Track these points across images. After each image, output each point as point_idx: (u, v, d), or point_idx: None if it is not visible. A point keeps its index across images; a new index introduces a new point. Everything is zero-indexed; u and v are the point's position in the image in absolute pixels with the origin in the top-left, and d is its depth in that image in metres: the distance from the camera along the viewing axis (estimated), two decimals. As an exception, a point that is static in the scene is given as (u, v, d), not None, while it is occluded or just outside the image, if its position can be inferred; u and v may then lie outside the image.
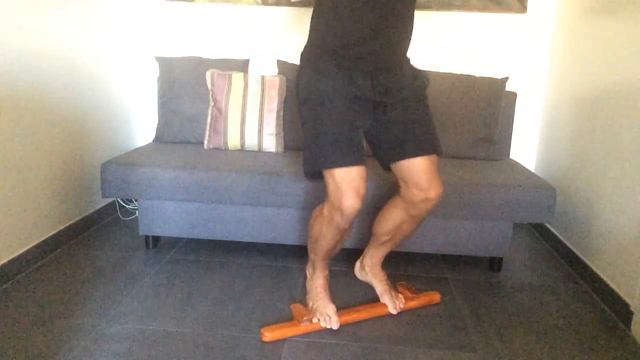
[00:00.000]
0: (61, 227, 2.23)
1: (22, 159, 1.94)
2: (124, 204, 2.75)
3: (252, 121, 2.36)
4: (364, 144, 1.54)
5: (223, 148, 2.40)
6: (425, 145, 1.56)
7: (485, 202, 2.00)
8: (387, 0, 1.40)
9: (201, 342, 1.56)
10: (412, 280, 2.06)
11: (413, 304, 1.82)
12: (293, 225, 2.14)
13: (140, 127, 2.92)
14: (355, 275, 1.97)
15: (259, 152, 2.38)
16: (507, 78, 2.44)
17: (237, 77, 2.39)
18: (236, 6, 2.70)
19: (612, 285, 1.89)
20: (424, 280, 2.06)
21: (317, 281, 1.75)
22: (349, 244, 2.15)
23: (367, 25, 1.41)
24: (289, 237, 2.16)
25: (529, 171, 2.24)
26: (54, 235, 2.17)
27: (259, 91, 2.38)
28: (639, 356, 1.59)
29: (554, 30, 2.61)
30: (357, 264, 1.95)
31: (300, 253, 2.27)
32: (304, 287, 1.92)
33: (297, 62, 2.72)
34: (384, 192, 2.00)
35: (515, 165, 2.35)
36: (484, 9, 2.61)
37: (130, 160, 2.12)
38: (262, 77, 2.40)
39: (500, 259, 2.17)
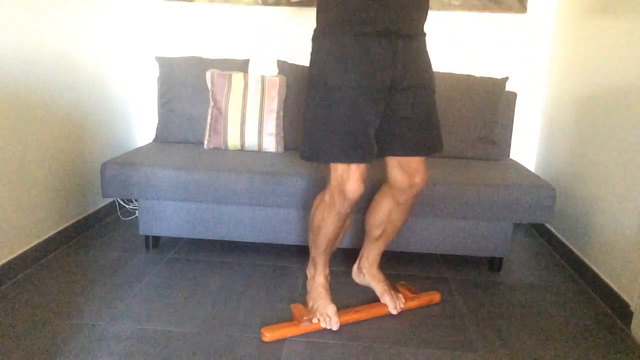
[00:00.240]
0: (61, 227, 2.23)
1: (22, 159, 1.94)
2: (124, 204, 2.75)
3: (252, 121, 2.36)
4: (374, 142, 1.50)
5: (223, 148, 2.40)
6: (428, 145, 1.55)
7: (485, 202, 2.00)
8: None
9: (201, 342, 1.56)
10: (412, 280, 2.06)
11: (413, 304, 1.82)
12: (293, 225, 2.14)
13: (140, 127, 2.92)
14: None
15: (259, 152, 2.38)
16: (507, 78, 2.44)
17: (237, 77, 2.39)
18: (236, 6, 2.70)
19: (612, 285, 1.89)
20: (424, 280, 2.06)
21: (318, 281, 1.75)
22: (347, 243, 2.15)
23: None
24: (289, 237, 2.16)
25: (529, 171, 2.24)
26: (54, 235, 2.17)
27: (259, 91, 2.38)
28: (639, 356, 1.59)
29: (554, 30, 2.61)
30: (355, 268, 1.93)
31: (300, 253, 2.27)
32: (304, 287, 1.92)
33: (297, 62, 2.74)
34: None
35: (515, 165, 2.35)
36: (484, 9, 2.61)
37: (130, 160, 2.12)
38: (262, 77, 2.40)
39: (500, 259, 2.18)
